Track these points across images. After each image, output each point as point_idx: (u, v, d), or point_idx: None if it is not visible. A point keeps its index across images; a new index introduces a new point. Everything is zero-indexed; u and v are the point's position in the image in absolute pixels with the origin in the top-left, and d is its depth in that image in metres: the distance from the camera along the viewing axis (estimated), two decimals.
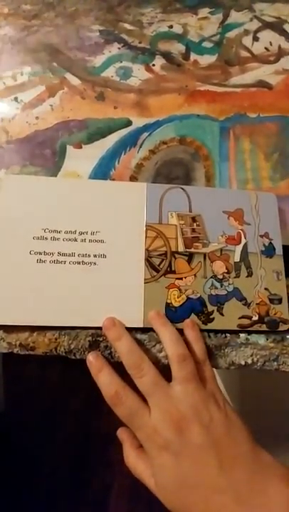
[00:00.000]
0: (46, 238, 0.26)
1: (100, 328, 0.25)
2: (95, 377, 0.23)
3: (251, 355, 0.26)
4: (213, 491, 0.18)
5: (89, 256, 0.26)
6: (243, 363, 0.25)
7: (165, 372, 0.23)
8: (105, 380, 0.22)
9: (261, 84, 0.35)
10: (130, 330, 0.25)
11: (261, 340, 0.26)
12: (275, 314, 0.26)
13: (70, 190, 0.28)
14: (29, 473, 0.77)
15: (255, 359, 0.25)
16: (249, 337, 0.26)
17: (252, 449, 0.20)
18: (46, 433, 0.85)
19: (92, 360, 0.23)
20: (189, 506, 0.19)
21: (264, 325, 0.26)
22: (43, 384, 0.96)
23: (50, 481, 0.77)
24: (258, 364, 0.26)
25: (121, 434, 0.24)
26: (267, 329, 0.26)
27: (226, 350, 0.26)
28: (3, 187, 0.28)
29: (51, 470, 0.79)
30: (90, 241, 0.27)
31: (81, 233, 0.27)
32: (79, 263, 0.26)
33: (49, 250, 0.26)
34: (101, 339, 0.25)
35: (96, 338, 0.25)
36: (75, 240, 0.27)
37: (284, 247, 0.29)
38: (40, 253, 0.26)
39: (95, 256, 0.26)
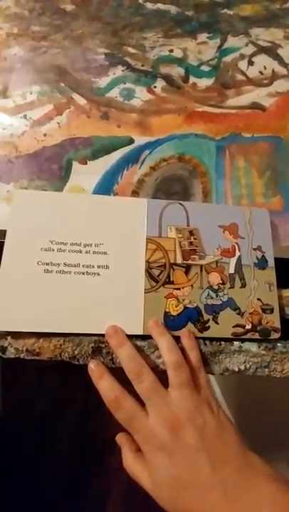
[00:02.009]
0: (53, 250, 0.28)
1: (102, 335, 0.26)
2: (96, 384, 0.24)
3: (244, 362, 0.27)
4: (205, 489, 0.20)
5: (93, 267, 0.28)
6: (236, 369, 0.27)
7: (164, 377, 0.24)
8: (106, 386, 0.24)
9: (255, 106, 0.37)
10: (131, 337, 0.26)
11: (253, 347, 0.27)
12: (267, 323, 0.28)
13: (75, 204, 0.30)
14: (27, 479, 0.77)
15: (247, 365, 0.27)
16: (242, 345, 0.28)
17: (242, 452, 0.21)
18: (44, 439, 0.85)
19: (94, 367, 0.25)
20: (183, 504, 0.20)
21: (257, 333, 0.28)
22: (42, 390, 0.96)
23: (48, 487, 0.77)
24: (251, 370, 0.27)
25: (120, 438, 0.26)
26: (259, 337, 0.28)
27: (221, 356, 0.27)
28: (15, 201, 0.29)
29: (49, 476, 0.79)
30: (94, 252, 0.28)
31: (86, 245, 0.28)
32: (83, 273, 0.28)
33: (56, 261, 0.27)
34: (103, 346, 0.27)
35: (98, 345, 0.27)
36: (80, 251, 0.28)
37: (276, 259, 0.31)
38: (47, 264, 0.27)
39: (98, 267, 0.28)
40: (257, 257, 0.30)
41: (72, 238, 0.28)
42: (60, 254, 0.28)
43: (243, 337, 0.28)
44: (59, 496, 0.75)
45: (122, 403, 0.23)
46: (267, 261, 0.30)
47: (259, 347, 0.28)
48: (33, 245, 0.28)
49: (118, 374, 0.26)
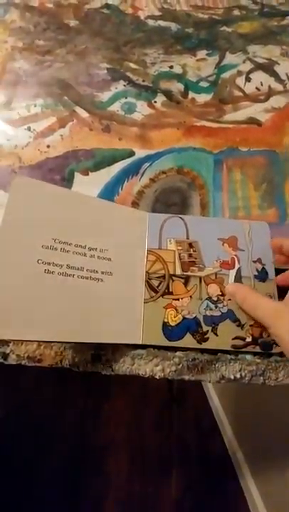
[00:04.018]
0: (56, 249, 0.26)
1: (102, 344, 0.27)
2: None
3: (240, 370, 0.28)
4: None
5: (97, 272, 0.27)
6: (232, 377, 0.28)
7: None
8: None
9: (252, 121, 0.39)
10: (129, 346, 0.27)
11: (249, 356, 0.28)
12: (268, 336, 0.28)
13: (80, 204, 0.29)
14: (24, 484, 0.77)
15: (243, 374, 0.28)
16: (237, 353, 0.28)
17: None
18: (42, 444, 0.85)
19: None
20: None
21: (258, 346, 0.27)
22: (40, 396, 0.96)
23: (45, 491, 0.76)
24: (246, 378, 0.28)
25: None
26: (261, 350, 0.27)
27: (217, 365, 0.28)
28: (14, 189, 0.27)
29: (47, 481, 0.78)
30: (99, 258, 0.28)
31: (91, 249, 0.27)
32: (87, 278, 0.27)
33: (58, 262, 0.26)
34: (103, 353, 0.27)
35: (98, 352, 0.27)
36: (85, 254, 0.27)
37: (276, 270, 0.30)
38: (49, 263, 0.25)
39: (102, 273, 0.27)
40: (257, 270, 0.30)
41: (77, 239, 0.27)
42: (64, 254, 0.26)
43: (244, 350, 0.27)
44: (58, 497, 0.74)
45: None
46: (267, 273, 0.30)
47: (254, 355, 0.28)
48: (33, 241, 0.25)
49: (119, 376, 0.26)
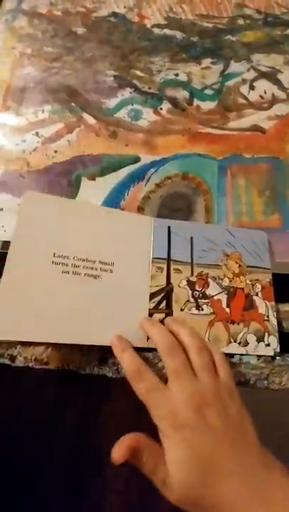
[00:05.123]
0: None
1: (108, 347, 0.27)
2: (119, 356, 0.25)
3: (244, 374, 0.28)
4: (225, 474, 0.19)
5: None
6: (236, 380, 0.28)
7: None
8: (128, 358, 0.24)
9: (255, 128, 0.40)
10: (137, 349, 0.27)
11: (253, 360, 0.29)
12: None
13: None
14: (24, 484, 0.77)
15: (247, 377, 0.28)
16: (242, 357, 0.29)
17: (259, 445, 0.21)
18: (43, 444, 0.85)
19: (117, 342, 0.26)
20: (199, 484, 0.19)
21: None
22: (41, 396, 0.96)
23: (45, 491, 0.76)
24: (250, 382, 0.28)
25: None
26: None
27: None
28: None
29: (47, 481, 0.78)
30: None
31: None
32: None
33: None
34: (109, 356, 0.28)
35: (104, 355, 0.28)
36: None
37: (274, 275, 0.31)
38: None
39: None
40: None
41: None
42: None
43: None
44: (58, 498, 0.74)
45: (143, 374, 0.23)
46: None
47: (258, 359, 0.29)
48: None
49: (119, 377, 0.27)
